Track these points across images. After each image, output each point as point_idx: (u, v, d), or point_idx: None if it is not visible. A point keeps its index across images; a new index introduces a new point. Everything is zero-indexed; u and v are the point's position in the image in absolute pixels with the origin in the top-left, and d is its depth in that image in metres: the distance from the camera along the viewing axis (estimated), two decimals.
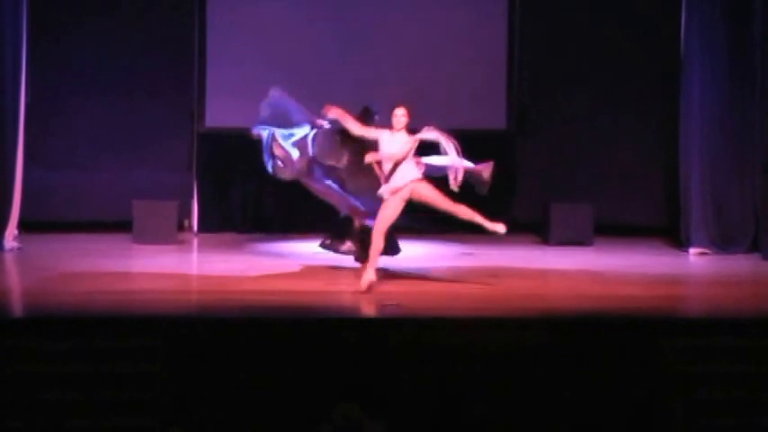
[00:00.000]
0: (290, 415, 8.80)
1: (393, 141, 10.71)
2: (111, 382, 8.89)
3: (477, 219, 10.76)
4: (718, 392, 9.12)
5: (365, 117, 11.61)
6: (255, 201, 15.47)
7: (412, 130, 10.82)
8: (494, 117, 15.25)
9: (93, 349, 9.04)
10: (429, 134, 10.69)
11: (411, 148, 10.70)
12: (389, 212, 10.68)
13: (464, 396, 8.95)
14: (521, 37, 15.28)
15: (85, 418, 8.67)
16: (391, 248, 11.77)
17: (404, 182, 10.65)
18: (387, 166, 10.73)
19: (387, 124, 10.95)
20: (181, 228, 14.81)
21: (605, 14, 15.25)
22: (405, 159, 10.67)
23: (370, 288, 10.64)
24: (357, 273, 11.35)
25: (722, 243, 13.75)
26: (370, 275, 10.69)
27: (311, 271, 12.07)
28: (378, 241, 10.69)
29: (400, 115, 10.75)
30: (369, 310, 10.39)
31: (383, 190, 10.69)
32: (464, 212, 10.75)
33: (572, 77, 15.29)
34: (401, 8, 15.23)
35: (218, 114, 15.13)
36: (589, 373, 9.21)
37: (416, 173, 10.69)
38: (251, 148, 15.29)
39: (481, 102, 15.22)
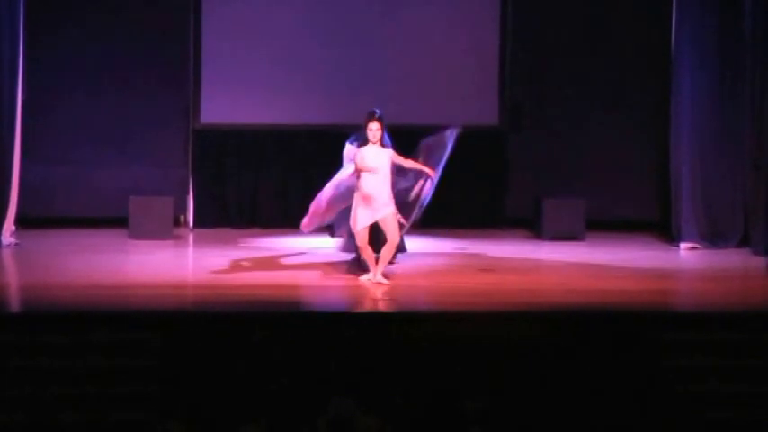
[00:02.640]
0: (287, 409, 8.85)
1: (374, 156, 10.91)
2: (108, 376, 8.93)
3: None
4: (709, 385, 9.18)
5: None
6: (251, 196, 15.51)
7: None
8: (486, 113, 15.29)
9: (90, 344, 9.09)
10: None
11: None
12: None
13: (458, 389, 9.00)
14: (513, 33, 15.31)
15: (83, 413, 8.71)
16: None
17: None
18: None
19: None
20: (177, 223, 14.85)
21: (597, 12, 15.29)
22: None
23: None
24: (352, 268, 11.52)
25: (712, 238, 13.80)
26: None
27: (306, 266, 12.13)
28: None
29: (375, 129, 10.86)
30: (363, 304, 10.47)
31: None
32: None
33: (564, 74, 15.32)
34: (395, 5, 15.27)
35: (214, 111, 15.17)
36: (581, 366, 9.27)
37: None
38: (246, 144, 15.41)
39: (474, 98, 15.24)
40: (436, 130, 11.50)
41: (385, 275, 10.92)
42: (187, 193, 15.30)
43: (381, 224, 10.86)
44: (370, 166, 10.76)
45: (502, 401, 8.93)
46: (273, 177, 15.38)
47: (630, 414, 9.10)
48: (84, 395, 8.83)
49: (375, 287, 10.77)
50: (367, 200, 10.78)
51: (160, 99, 15.11)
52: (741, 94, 13.55)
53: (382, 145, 10.92)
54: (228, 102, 15.13)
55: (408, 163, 10.99)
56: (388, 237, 10.87)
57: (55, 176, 14.93)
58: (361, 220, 10.82)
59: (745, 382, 9.20)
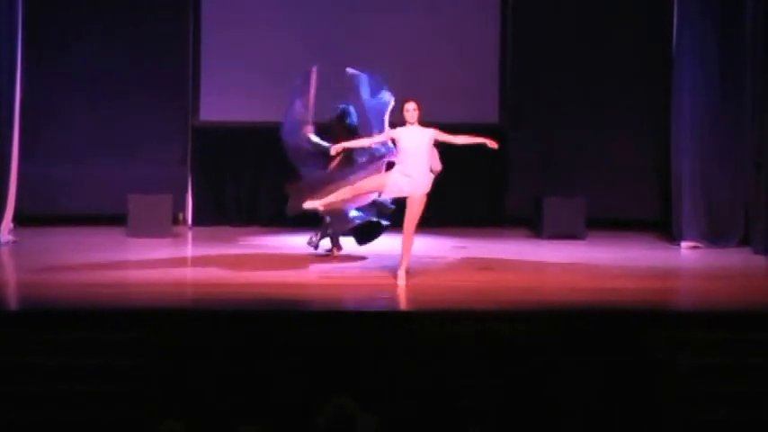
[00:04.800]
0: (285, 407, 8.84)
1: (413, 136, 10.81)
2: (106, 374, 8.92)
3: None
4: (709, 385, 9.16)
5: (340, 121, 12.14)
6: (250, 194, 15.51)
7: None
8: (486, 111, 15.30)
9: (88, 342, 9.07)
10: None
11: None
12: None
13: (457, 388, 8.99)
14: (513, 31, 15.32)
15: (81, 411, 8.70)
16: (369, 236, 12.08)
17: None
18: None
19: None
20: (175, 221, 14.85)
21: (597, 10, 15.29)
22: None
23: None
24: (350, 266, 11.47)
25: (713, 237, 13.81)
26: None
27: (305, 264, 12.11)
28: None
29: (412, 110, 10.83)
30: (362, 303, 10.45)
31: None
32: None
33: (564, 72, 15.33)
34: (395, 4, 15.27)
35: (213, 108, 15.18)
36: (581, 365, 9.25)
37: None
38: (245, 142, 15.41)
39: (474, 96, 15.26)
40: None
41: (397, 276, 10.87)
42: (186, 190, 15.31)
43: (408, 202, 10.78)
44: (411, 146, 10.74)
45: (501, 401, 8.92)
46: (273, 175, 15.34)
47: (630, 413, 9.08)
48: (83, 393, 8.80)
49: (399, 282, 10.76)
50: (407, 176, 10.75)
51: (159, 96, 15.12)
52: (742, 93, 13.56)
53: (421, 124, 10.88)
54: (228, 99, 15.13)
55: (459, 138, 10.91)
56: (408, 220, 10.80)
57: (53, 174, 14.93)
58: (393, 189, 10.79)
59: (746, 381, 9.18)
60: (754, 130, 13.39)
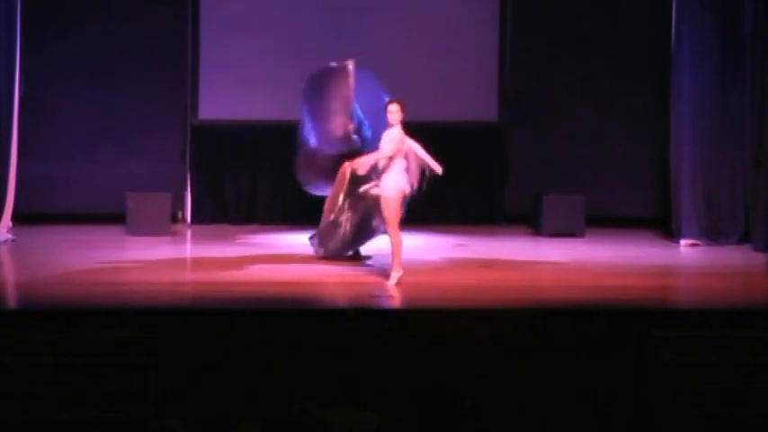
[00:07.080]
0: (284, 406, 8.82)
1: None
2: (104, 373, 8.91)
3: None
4: (709, 383, 9.16)
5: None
6: (248, 192, 15.50)
7: (405, 125, 10.89)
8: (486, 109, 15.29)
9: (86, 340, 9.06)
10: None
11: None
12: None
13: (456, 386, 8.98)
14: (513, 29, 15.31)
15: (80, 410, 8.69)
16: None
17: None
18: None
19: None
20: (174, 219, 14.85)
21: (597, 7, 15.28)
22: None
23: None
24: (349, 264, 11.45)
25: (713, 234, 13.81)
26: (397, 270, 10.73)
27: (304, 262, 12.09)
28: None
29: (395, 111, 10.76)
30: (361, 301, 10.43)
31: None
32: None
33: (564, 70, 15.32)
34: (394, 1, 15.26)
35: (212, 106, 15.18)
36: (580, 363, 9.25)
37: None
38: (244, 140, 15.41)
39: (473, 94, 15.25)
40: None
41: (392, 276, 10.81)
42: (185, 189, 15.30)
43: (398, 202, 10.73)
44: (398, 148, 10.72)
45: (500, 398, 8.91)
46: (271, 173, 15.38)
47: (630, 411, 9.08)
48: (82, 392, 8.79)
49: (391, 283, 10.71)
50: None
51: (158, 95, 15.12)
52: (741, 90, 13.55)
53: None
54: (226, 97, 15.13)
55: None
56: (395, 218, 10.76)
57: (52, 172, 14.94)
58: (400, 186, 10.70)
59: (747, 379, 9.18)
60: (753, 126, 13.39)
